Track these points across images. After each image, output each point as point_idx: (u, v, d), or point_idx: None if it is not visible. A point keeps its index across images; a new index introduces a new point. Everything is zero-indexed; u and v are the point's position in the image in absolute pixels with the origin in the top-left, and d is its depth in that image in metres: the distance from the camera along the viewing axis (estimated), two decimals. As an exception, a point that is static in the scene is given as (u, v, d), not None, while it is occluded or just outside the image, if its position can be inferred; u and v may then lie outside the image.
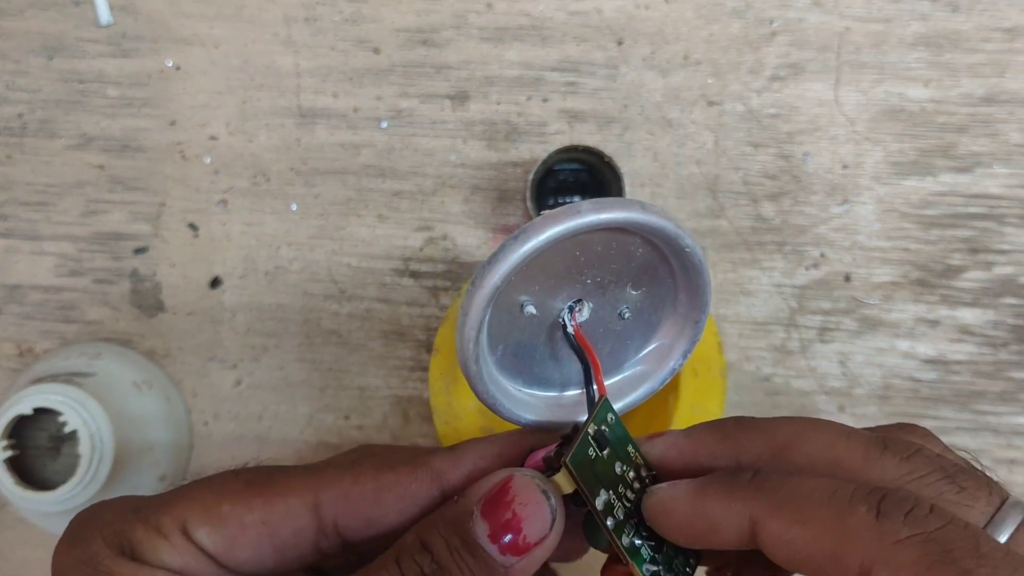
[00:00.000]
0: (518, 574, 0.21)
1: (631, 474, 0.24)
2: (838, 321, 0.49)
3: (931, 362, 0.49)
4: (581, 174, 0.48)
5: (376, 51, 0.50)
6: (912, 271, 0.49)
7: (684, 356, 0.28)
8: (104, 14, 0.50)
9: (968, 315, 0.49)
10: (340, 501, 0.23)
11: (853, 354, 0.49)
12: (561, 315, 0.26)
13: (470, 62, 0.50)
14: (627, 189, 0.45)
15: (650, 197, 0.49)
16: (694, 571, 0.24)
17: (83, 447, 0.43)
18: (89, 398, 0.44)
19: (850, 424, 0.49)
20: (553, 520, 0.22)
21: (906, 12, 0.50)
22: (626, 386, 0.28)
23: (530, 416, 0.26)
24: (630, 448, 0.24)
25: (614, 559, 0.24)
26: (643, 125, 0.50)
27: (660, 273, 0.27)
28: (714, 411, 0.39)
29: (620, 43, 0.50)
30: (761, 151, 0.50)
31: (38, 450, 0.49)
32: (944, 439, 0.50)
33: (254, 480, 0.23)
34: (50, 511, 0.44)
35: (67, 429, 0.43)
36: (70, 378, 0.45)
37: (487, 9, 0.50)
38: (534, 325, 0.26)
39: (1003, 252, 0.49)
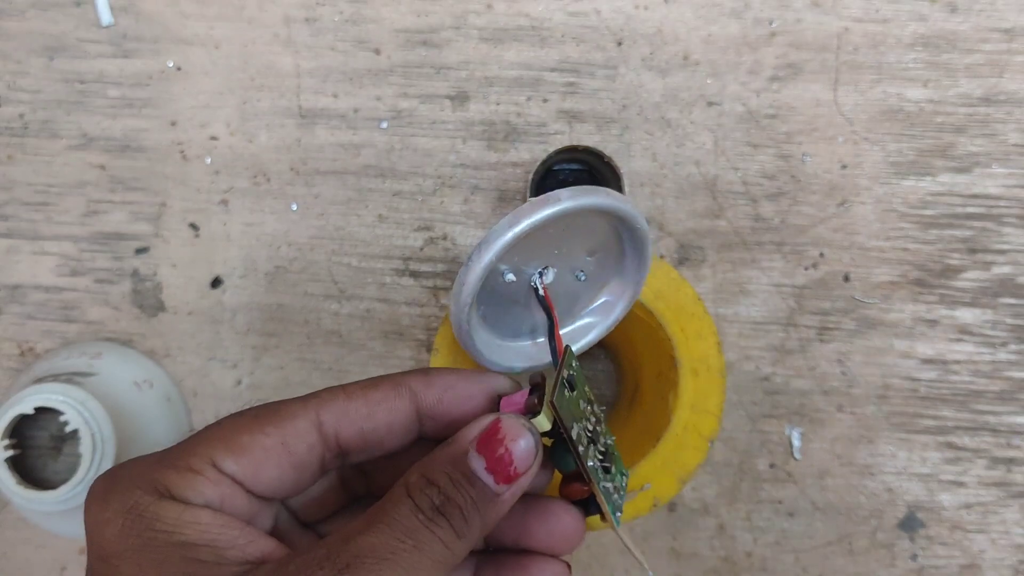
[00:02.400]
0: (507, 500, 0.25)
1: (589, 408, 0.28)
2: (837, 321, 0.49)
3: (930, 362, 0.49)
4: (581, 174, 0.49)
5: (376, 51, 0.50)
6: (911, 271, 0.49)
7: (625, 309, 0.34)
8: (105, 15, 0.50)
9: (967, 315, 0.49)
10: (338, 417, 0.26)
11: (852, 354, 0.49)
12: (532, 279, 0.31)
13: (470, 62, 0.50)
14: (627, 189, 0.45)
15: (649, 197, 0.50)
16: (626, 487, 0.29)
17: (84, 446, 0.43)
18: (90, 398, 0.44)
19: (848, 424, 0.49)
20: (536, 453, 0.25)
21: (904, 13, 0.50)
22: (579, 332, 0.34)
23: (504, 363, 0.31)
24: (587, 387, 0.28)
25: (571, 478, 0.28)
26: (642, 125, 0.50)
27: (612, 244, 0.32)
28: (714, 410, 0.39)
29: (619, 44, 0.50)
30: (760, 151, 0.50)
31: (39, 450, 0.49)
32: (943, 439, 0.50)
33: (260, 412, 0.26)
34: (51, 511, 0.44)
35: (68, 429, 0.43)
36: (71, 378, 0.45)
37: (487, 10, 0.50)
38: (510, 289, 0.31)
39: (1002, 252, 0.49)
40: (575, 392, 0.27)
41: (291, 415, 0.26)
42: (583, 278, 0.33)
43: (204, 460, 0.25)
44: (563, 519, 0.28)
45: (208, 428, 0.26)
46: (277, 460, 0.25)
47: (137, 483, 0.24)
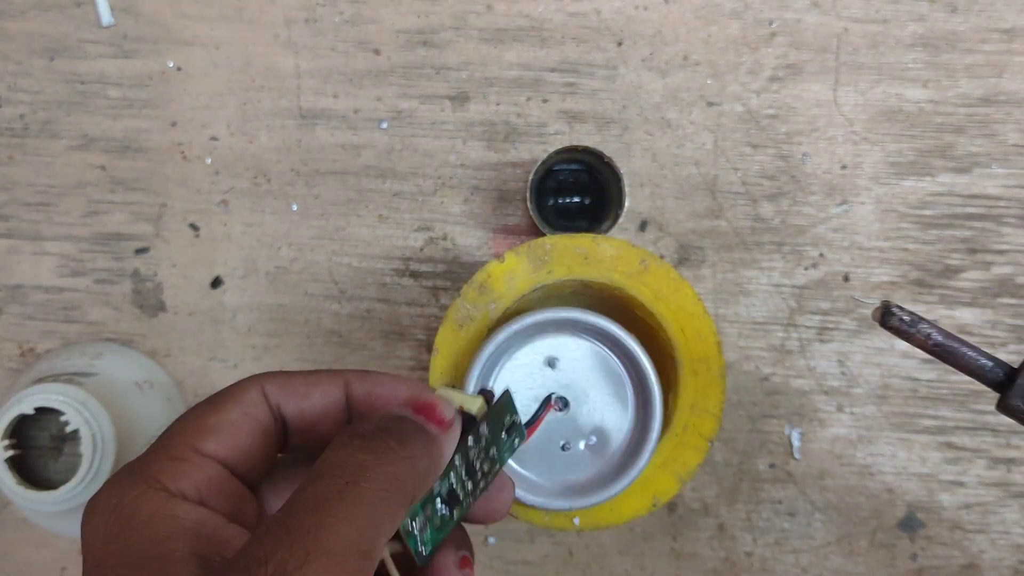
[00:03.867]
0: (444, 444, 0.26)
1: (486, 466, 0.29)
2: (837, 321, 0.49)
3: (930, 361, 0.49)
4: (581, 174, 0.49)
5: (376, 52, 0.50)
6: (910, 271, 0.50)
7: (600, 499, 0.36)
8: (105, 15, 0.50)
9: (967, 315, 0.49)
10: (280, 390, 0.27)
11: (852, 354, 0.49)
12: (553, 394, 0.35)
13: (470, 63, 0.50)
14: (627, 189, 0.45)
15: (649, 197, 0.50)
16: (437, 533, 0.28)
17: (84, 447, 0.43)
18: (91, 398, 0.44)
19: (848, 424, 0.49)
20: (455, 414, 0.27)
21: (904, 13, 0.50)
22: (557, 494, 0.36)
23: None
24: (495, 449, 0.29)
25: None
26: (642, 126, 0.50)
27: (618, 433, 0.37)
28: (713, 410, 0.39)
29: (619, 44, 0.50)
30: (760, 151, 0.50)
31: (40, 450, 0.49)
32: (943, 439, 0.50)
33: (212, 399, 0.27)
34: (52, 511, 0.44)
35: (69, 429, 0.43)
36: (72, 378, 0.45)
37: (487, 10, 0.50)
38: (536, 377, 0.36)
39: (1001, 252, 0.49)
40: (502, 437, 0.29)
41: (241, 390, 0.27)
42: (567, 449, 0.36)
43: (185, 447, 0.25)
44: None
45: (171, 426, 0.26)
46: (247, 430, 0.26)
47: (122, 481, 0.24)
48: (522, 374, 0.37)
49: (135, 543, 0.23)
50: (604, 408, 0.37)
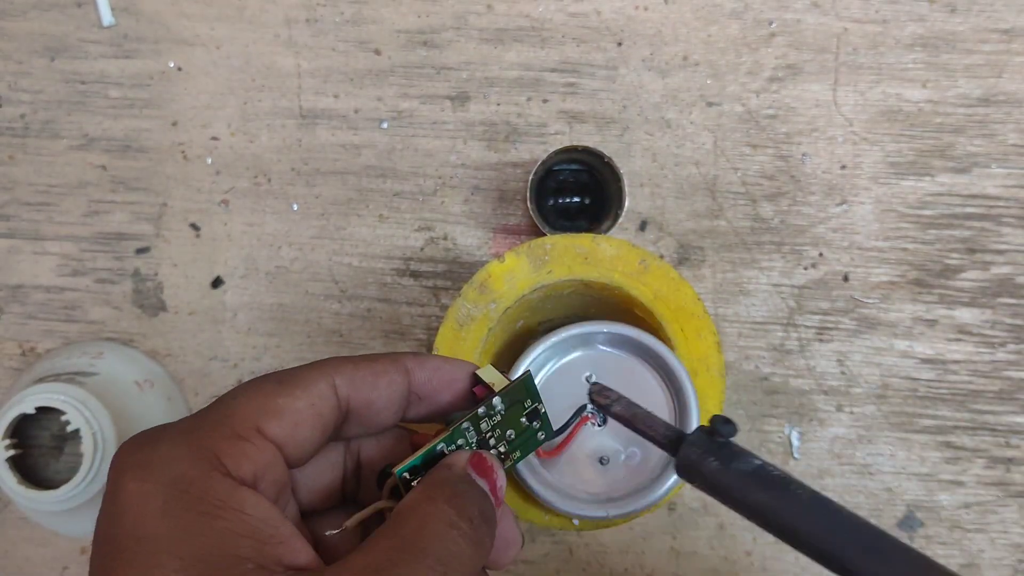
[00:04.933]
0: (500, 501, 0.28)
1: (523, 420, 0.30)
2: (836, 321, 0.49)
3: (929, 361, 0.49)
4: (581, 174, 0.49)
5: (377, 52, 0.50)
6: (910, 271, 0.50)
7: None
8: (106, 15, 0.50)
9: (966, 314, 0.49)
10: (349, 383, 0.27)
11: (851, 353, 0.49)
12: (588, 405, 0.33)
13: (470, 63, 0.50)
14: (627, 189, 0.45)
15: (649, 197, 0.50)
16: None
17: (85, 446, 0.43)
18: (91, 397, 0.44)
19: (847, 424, 0.49)
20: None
21: (903, 13, 0.50)
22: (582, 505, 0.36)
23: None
24: (513, 432, 0.30)
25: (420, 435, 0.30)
26: (642, 126, 0.50)
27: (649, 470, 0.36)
28: (713, 410, 0.39)
29: (619, 44, 0.50)
30: (759, 152, 0.50)
31: (41, 449, 0.49)
32: (942, 438, 0.51)
33: (283, 378, 0.26)
34: (52, 510, 0.44)
35: (69, 428, 0.43)
36: (72, 377, 0.45)
37: (487, 10, 0.50)
38: (573, 386, 0.36)
39: (1000, 252, 0.50)
40: (521, 422, 0.30)
41: (311, 379, 0.26)
42: (605, 463, 0.36)
43: (249, 425, 0.24)
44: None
45: (237, 394, 0.25)
46: (310, 423, 0.25)
47: (182, 450, 0.23)
48: (561, 388, 0.37)
49: (202, 535, 0.22)
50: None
